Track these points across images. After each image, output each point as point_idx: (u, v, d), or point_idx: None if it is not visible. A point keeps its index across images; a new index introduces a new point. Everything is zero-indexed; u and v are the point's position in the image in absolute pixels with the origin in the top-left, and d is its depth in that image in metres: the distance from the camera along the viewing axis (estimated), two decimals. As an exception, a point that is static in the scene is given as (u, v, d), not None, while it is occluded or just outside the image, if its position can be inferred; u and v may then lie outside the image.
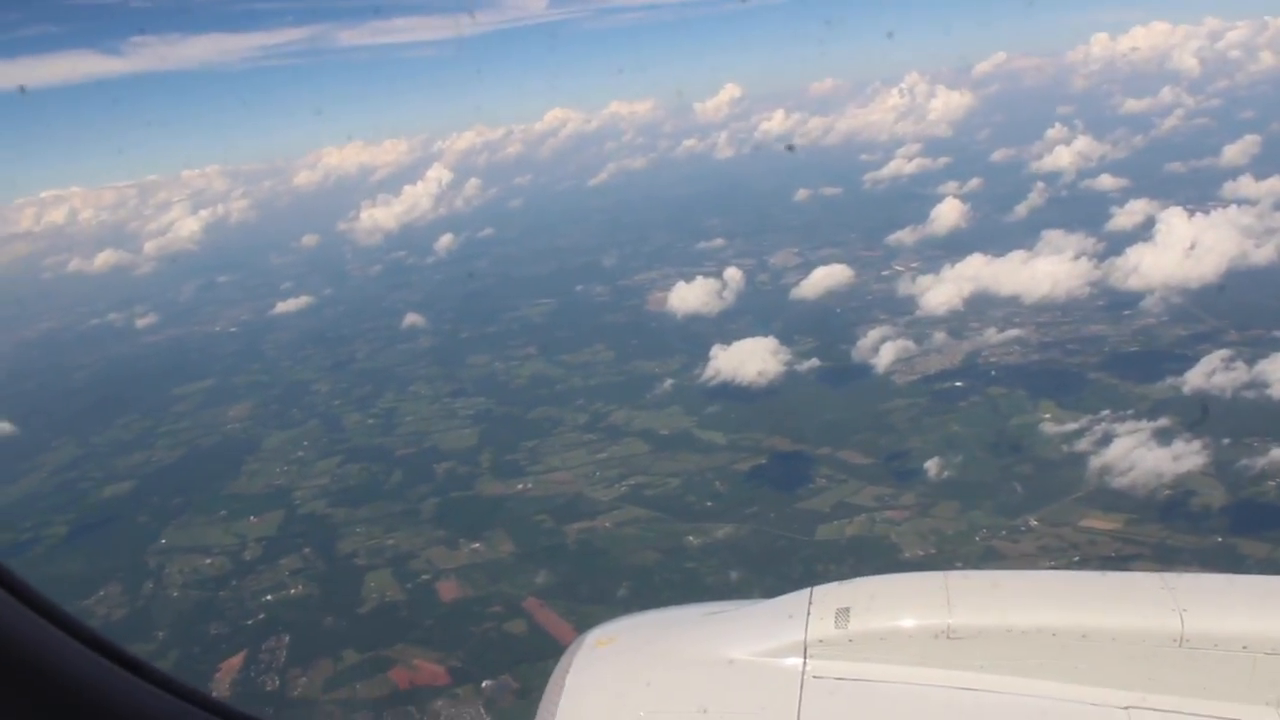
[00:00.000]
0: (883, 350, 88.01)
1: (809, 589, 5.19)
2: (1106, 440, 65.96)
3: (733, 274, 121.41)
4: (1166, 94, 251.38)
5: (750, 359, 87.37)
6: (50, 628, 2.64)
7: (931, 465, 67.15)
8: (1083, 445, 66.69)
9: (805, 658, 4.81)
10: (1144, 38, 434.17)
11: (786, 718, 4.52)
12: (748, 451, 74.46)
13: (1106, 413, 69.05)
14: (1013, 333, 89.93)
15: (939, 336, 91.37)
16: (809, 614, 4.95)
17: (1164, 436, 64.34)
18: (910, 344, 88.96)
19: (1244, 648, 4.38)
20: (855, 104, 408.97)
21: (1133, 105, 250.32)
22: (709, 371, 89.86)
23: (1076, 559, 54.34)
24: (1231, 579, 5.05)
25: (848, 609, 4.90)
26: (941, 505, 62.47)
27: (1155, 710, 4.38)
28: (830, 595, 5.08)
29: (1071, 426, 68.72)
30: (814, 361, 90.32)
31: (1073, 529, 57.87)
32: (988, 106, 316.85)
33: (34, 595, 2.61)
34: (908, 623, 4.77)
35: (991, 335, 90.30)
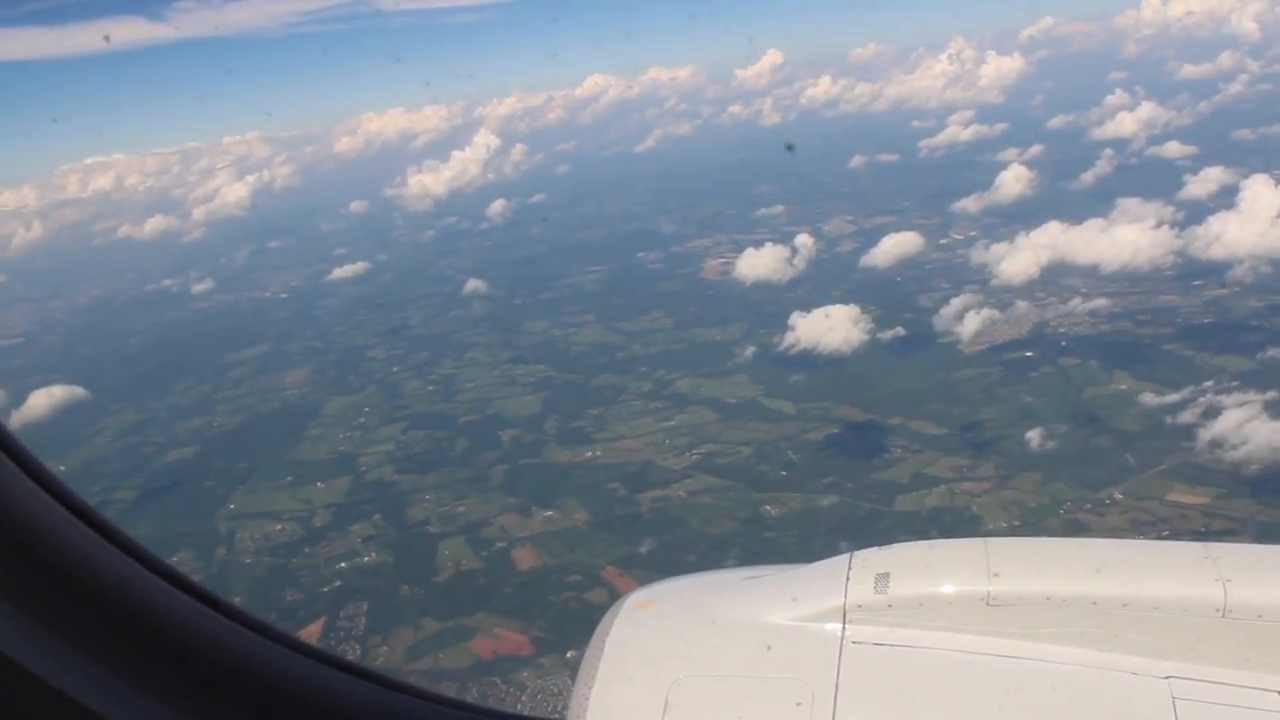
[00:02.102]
0: (966, 319, 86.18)
1: (849, 554, 5.08)
2: (1189, 411, 64.57)
3: (804, 240, 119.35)
4: (1226, 59, 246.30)
5: (832, 327, 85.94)
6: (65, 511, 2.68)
7: (1020, 436, 66.11)
8: (1167, 418, 65.31)
9: (844, 623, 4.75)
10: (1198, 1, 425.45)
11: (825, 682, 4.47)
12: (818, 421, 73.43)
13: (1209, 384, 67.36)
14: (1099, 302, 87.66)
15: (1021, 305, 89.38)
16: (848, 579, 4.88)
17: (1264, 410, 62.65)
18: (995, 313, 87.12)
19: None
20: (900, 70, 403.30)
21: (1191, 71, 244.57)
22: (788, 340, 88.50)
23: (1165, 533, 52.99)
24: (1276, 549, 4.86)
25: (887, 574, 4.83)
26: (1021, 477, 61.37)
27: (1196, 680, 4.29)
28: (870, 560, 4.99)
29: (1168, 399, 67.20)
30: (887, 330, 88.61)
31: (1159, 503, 56.58)
32: (1038, 72, 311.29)
33: (89, 510, 2.68)
34: (948, 589, 4.71)
35: (1076, 304, 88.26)
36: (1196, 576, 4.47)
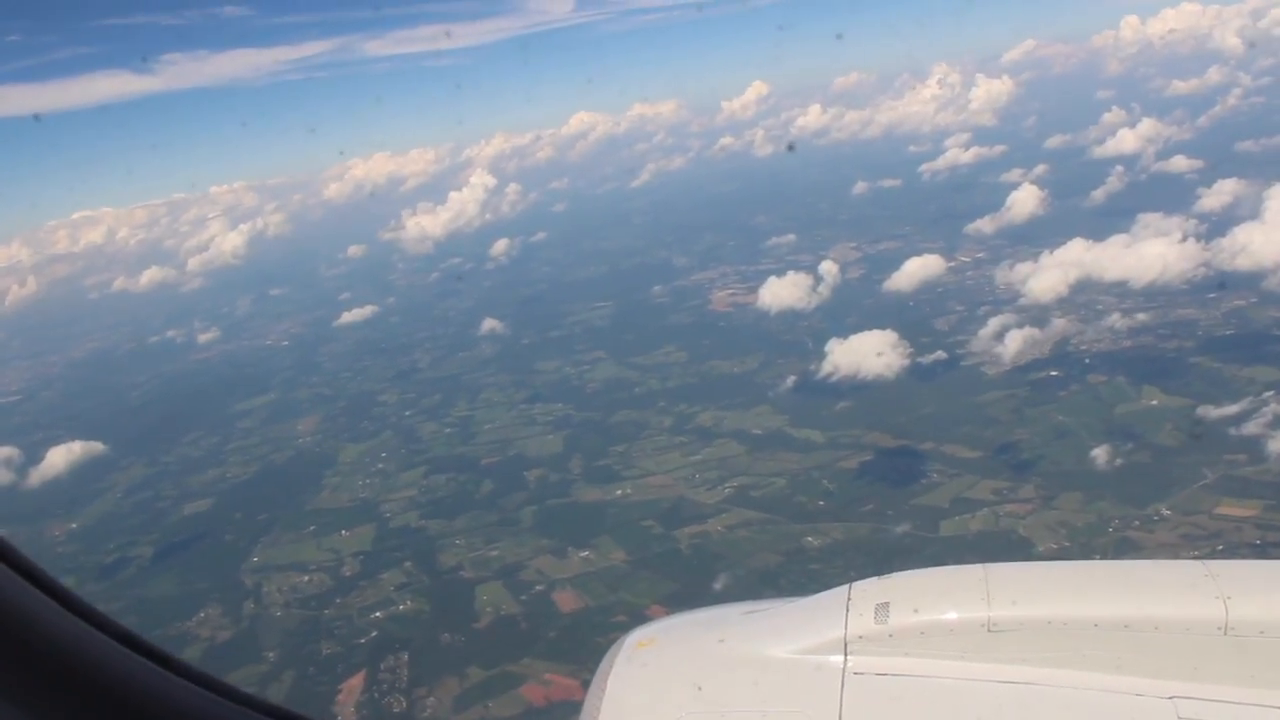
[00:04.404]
0: (1008, 339, 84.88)
1: (848, 585, 5.15)
2: (1230, 423, 63.67)
3: (828, 268, 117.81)
4: (1214, 74, 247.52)
5: (869, 354, 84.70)
6: (60, 608, 2.68)
7: (1056, 456, 65.40)
8: (1205, 431, 64.31)
9: (846, 654, 4.80)
10: (1176, 19, 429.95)
11: (828, 715, 4.51)
12: (849, 448, 72.22)
13: (1270, 395, 66.14)
14: (1140, 317, 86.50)
15: (1059, 323, 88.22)
16: (848, 610, 4.94)
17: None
18: (1035, 331, 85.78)
19: None
20: (886, 96, 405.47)
21: (1180, 86, 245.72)
22: (825, 367, 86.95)
23: (1220, 548, 51.88)
24: (1275, 564, 4.95)
25: (887, 604, 4.88)
26: (1063, 497, 60.23)
27: (1201, 699, 4.32)
28: (869, 590, 5.07)
29: (1217, 412, 65.98)
30: (928, 355, 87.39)
31: (1208, 517, 55.31)
32: (1026, 94, 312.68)
33: (35, 569, 2.67)
34: (948, 616, 4.74)
35: (1115, 320, 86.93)
36: (1197, 595, 4.50)
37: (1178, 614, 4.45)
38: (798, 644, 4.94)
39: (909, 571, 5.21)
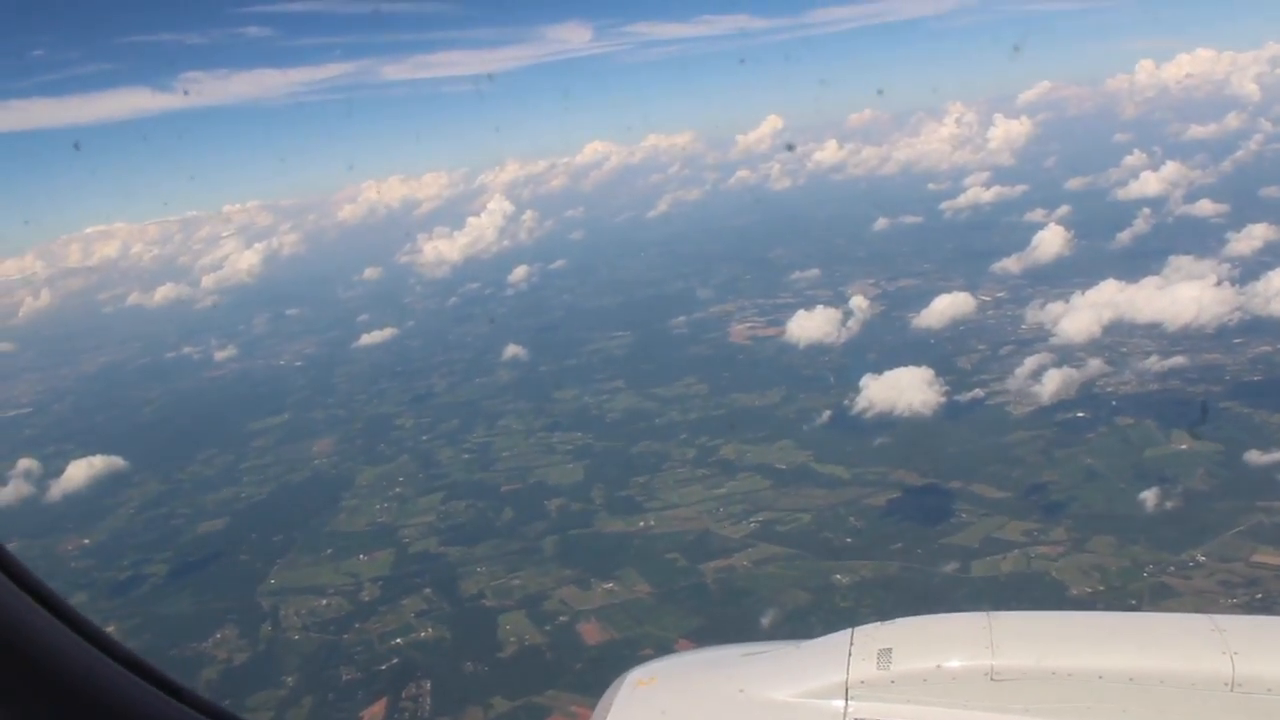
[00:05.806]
0: (1046, 378, 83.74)
1: (850, 629, 5.11)
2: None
3: (858, 302, 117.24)
4: (1232, 119, 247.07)
5: (904, 390, 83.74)
6: (53, 619, 2.65)
7: (1086, 498, 64.70)
8: (1238, 477, 63.30)
9: (847, 699, 4.71)
10: (1191, 64, 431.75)
11: None
12: (875, 485, 71.39)
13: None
14: (1168, 361, 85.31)
15: (1091, 365, 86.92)
16: (850, 655, 4.87)
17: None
18: (1073, 371, 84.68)
19: None
20: (901, 134, 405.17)
21: (1199, 131, 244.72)
22: (860, 403, 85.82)
23: (1259, 596, 51.04)
24: None
25: (889, 650, 4.81)
26: (1095, 540, 59.30)
27: None
28: (872, 636, 5.00)
29: (1247, 458, 65.05)
30: (964, 393, 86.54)
31: (1245, 564, 54.44)
32: (1044, 134, 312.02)
33: (47, 592, 2.66)
34: (951, 664, 4.64)
35: (1153, 363, 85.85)
36: (1204, 649, 4.42)
37: (1184, 668, 4.41)
38: (799, 687, 4.93)
39: (912, 617, 5.18)
